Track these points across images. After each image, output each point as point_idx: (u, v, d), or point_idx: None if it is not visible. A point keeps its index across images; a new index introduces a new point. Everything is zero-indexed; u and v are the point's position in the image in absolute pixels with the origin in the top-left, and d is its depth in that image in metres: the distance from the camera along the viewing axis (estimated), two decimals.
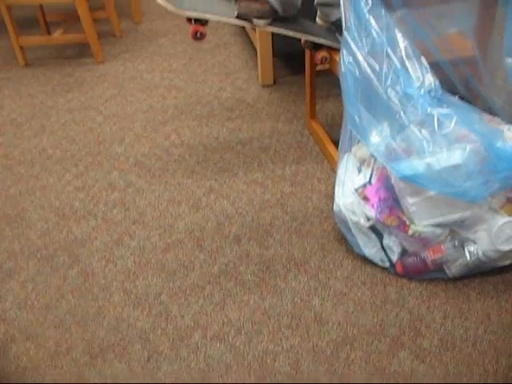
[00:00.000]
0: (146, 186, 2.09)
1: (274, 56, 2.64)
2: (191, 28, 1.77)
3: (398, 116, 1.46)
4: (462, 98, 1.66)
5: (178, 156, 2.25)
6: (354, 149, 1.69)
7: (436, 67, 1.59)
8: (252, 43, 2.97)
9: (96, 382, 1.37)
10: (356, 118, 1.53)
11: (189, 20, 1.79)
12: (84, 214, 1.96)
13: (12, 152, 2.37)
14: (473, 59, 1.77)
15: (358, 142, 1.66)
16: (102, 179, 2.15)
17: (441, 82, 1.53)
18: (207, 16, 1.73)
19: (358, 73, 1.50)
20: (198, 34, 1.76)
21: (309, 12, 2.01)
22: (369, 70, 1.49)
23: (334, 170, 2.03)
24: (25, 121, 2.63)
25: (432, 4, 1.69)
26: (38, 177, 2.20)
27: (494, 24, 1.82)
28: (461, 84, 1.69)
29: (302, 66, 2.24)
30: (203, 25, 1.77)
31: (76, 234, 1.87)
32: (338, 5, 1.55)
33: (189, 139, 2.36)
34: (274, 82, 2.74)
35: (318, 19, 2.03)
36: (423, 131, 1.44)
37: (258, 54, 2.62)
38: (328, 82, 2.61)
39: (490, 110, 1.74)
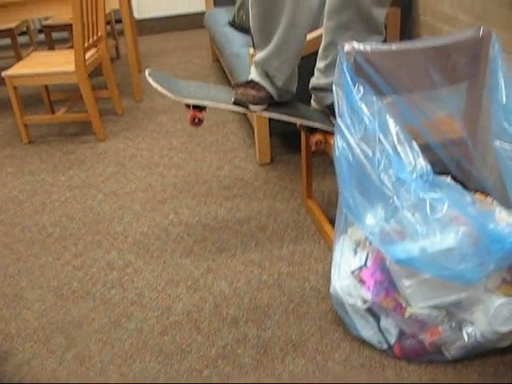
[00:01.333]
0: (145, 266, 2.10)
1: (271, 134, 2.71)
2: (189, 114, 1.83)
3: (391, 201, 1.49)
4: (454, 177, 1.70)
5: (177, 235, 2.28)
6: (349, 230, 1.72)
7: (427, 149, 1.64)
8: (249, 121, 3.05)
9: None
10: (350, 201, 1.56)
11: (187, 105, 1.86)
12: (82, 295, 1.97)
13: (12, 230, 2.40)
14: (463, 140, 1.83)
15: (354, 223, 1.69)
16: (100, 258, 2.17)
17: (433, 163, 1.57)
18: (205, 103, 1.80)
19: (351, 158, 1.55)
20: (197, 120, 1.82)
21: (303, 96, 2.09)
22: (362, 156, 1.53)
23: (330, 249, 2.04)
24: (26, 198, 2.67)
25: (420, 90, 1.76)
26: (37, 256, 2.21)
27: (482, 108, 1.88)
28: (452, 164, 1.73)
29: (298, 144, 2.30)
30: (201, 111, 1.84)
31: (73, 315, 1.87)
32: (332, 89, 1.61)
33: (187, 218, 2.39)
34: (272, 160, 2.81)
35: (312, 102, 2.10)
36: (416, 215, 1.47)
37: (256, 132, 2.70)
38: (325, 160, 2.67)
39: (483, 189, 1.78)
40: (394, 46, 1.68)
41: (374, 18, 1.84)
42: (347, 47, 1.60)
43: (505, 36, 2.10)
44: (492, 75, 1.72)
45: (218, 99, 1.84)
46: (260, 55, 1.86)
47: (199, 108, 1.83)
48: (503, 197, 1.67)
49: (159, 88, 1.76)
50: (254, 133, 2.78)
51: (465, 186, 1.67)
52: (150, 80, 1.78)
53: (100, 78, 4.03)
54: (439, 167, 1.69)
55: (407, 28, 2.91)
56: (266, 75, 1.88)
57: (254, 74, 1.92)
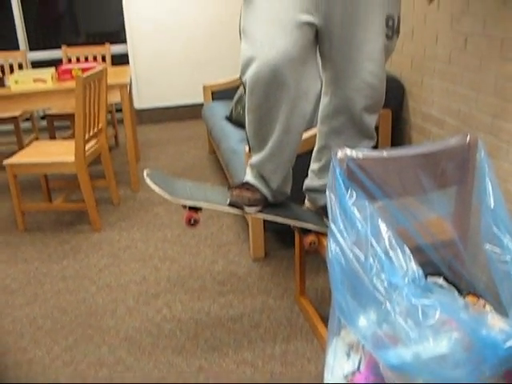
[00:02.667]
0: (135, 363, 2.07)
1: (265, 230, 2.75)
2: (185, 214, 1.87)
3: (383, 306, 1.50)
4: (446, 278, 1.72)
5: (169, 331, 2.26)
6: (342, 332, 1.71)
7: (419, 251, 1.67)
8: (244, 216, 3.10)
9: None
10: (343, 304, 1.57)
11: (184, 205, 1.90)
12: None
13: (2, 321, 2.38)
14: (453, 242, 1.87)
15: (347, 326, 1.69)
16: (91, 354, 2.14)
17: (425, 264, 1.60)
18: (201, 204, 1.84)
19: (344, 262, 1.57)
20: (192, 221, 1.86)
21: (297, 195, 2.14)
22: (354, 260, 1.56)
23: (323, 348, 2.03)
24: (18, 287, 2.66)
25: (411, 194, 1.82)
26: (26, 349, 2.18)
27: (471, 211, 1.93)
28: (444, 266, 1.76)
29: (293, 239, 2.33)
30: (197, 211, 1.88)
31: None
32: (325, 190, 1.65)
33: (180, 314, 2.38)
34: (266, 255, 2.83)
35: (306, 202, 2.16)
36: (408, 321, 1.48)
37: (250, 228, 2.73)
38: (318, 256, 2.69)
39: (474, 290, 1.80)
40: (385, 153, 1.74)
41: (365, 124, 1.93)
42: (340, 154, 1.66)
43: (490, 140, 2.19)
44: (480, 180, 1.78)
45: (214, 201, 1.89)
46: (255, 158, 1.93)
47: (195, 209, 1.87)
48: (495, 299, 1.69)
49: (157, 189, 1.80)
50: (248, 227, 2.81)
51: (457, 287, 1.69)
52: (148, 181, 1.83)
53: (98, 167, 4.11)
54: (431, 268, 1.72)
55: (398, 129, 3.03)
56: (261, 177, 1.94)
57: (249, 176, 1.98)
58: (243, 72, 1.74)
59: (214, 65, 5.64)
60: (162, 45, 5.60)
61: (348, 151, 1.69)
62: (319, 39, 1.79)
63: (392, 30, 1.79)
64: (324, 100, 1.93)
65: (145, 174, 1.90)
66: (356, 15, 1.73)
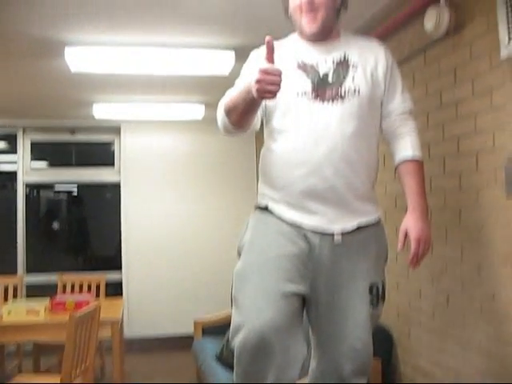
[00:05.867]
0: None
1: None
2: None
3: None
4: None
5: None
6: None
7: None
8: None
9: None
10: None
11: None
12: None
13: None
14: None
15: None
16: None
17: None
18: None
19: None
20: None
21: None
22: None
23: None
24: None
25: None
26: None
27: None
28: None
29: None
30: None
31: None
32: None
33: None
34: None
35: None
36: None
37: None
38: None
39: None
40: None
41: None
42: None
43: None
44: None
45: None
46: None
47: None
48: None
49: None
50: None
51: None
52: None
53: None
54: None
55: (388, 379, 2.99)
56: None
57: None
58: (232, 338, 1.80)
59: (208, 296, 5.69)
60: (157, 274, 5.76)
61: None
62: (306, 306, 1.88)
63: (377, 296, 1.88)
64: (312, 363, 1.96)
65: None
66: (340, 284, 1.85)
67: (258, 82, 1.62)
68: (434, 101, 2.55)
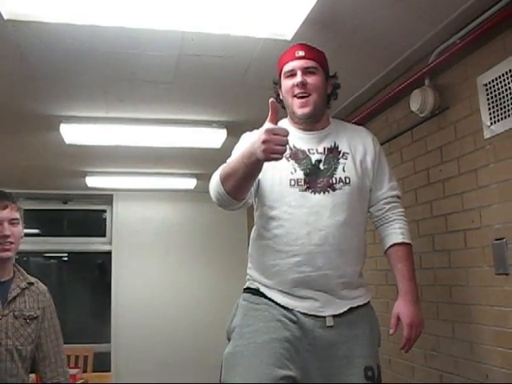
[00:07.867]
0: None
1: None
2: None
3: None
4: None
5: None
6: None
7: None
8: None
9: None
10: None
11: None
12: None
13: None
14: None
15: None
16: None
17: None
18: None
19: None
20: None
21: None
22: None
23: None
24: None
25: None
26: None
27: None
28: None
29: None
30: None
31: None
32: None
33: None
34: None
35: None
36: None
37: None
38: None
39: None
40: None
41: None
42: None
43: None
44: None
45: None
46: None
47: None
48: None
49: None
50: None
51: None
52: None
53: None
54: None
55: None
56: None
57: None
58: None
59: (198, 369, 5.52)
60: (147, 345, 5.65)
61: None
62: None
63: (373, 380, 1.85)
64: None
65: None
66: (333, 369, 1.81)
67: (265, 142, 1.58)
68: (422, 178, 2.60)
